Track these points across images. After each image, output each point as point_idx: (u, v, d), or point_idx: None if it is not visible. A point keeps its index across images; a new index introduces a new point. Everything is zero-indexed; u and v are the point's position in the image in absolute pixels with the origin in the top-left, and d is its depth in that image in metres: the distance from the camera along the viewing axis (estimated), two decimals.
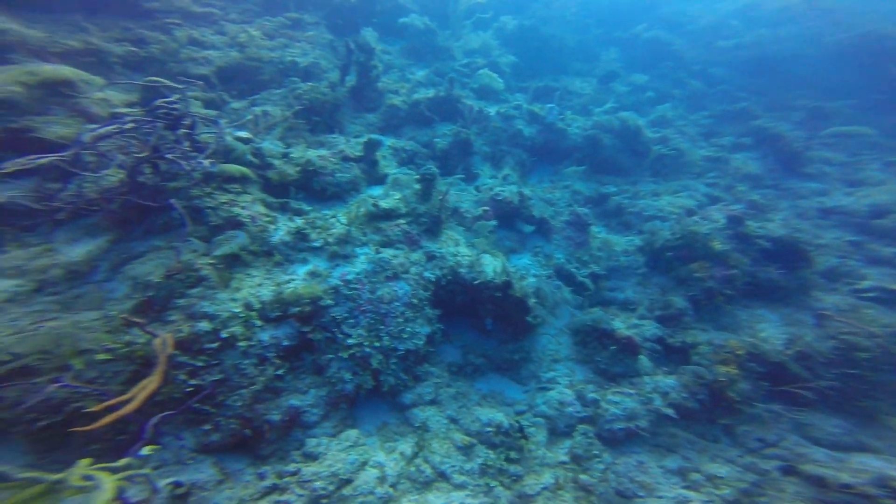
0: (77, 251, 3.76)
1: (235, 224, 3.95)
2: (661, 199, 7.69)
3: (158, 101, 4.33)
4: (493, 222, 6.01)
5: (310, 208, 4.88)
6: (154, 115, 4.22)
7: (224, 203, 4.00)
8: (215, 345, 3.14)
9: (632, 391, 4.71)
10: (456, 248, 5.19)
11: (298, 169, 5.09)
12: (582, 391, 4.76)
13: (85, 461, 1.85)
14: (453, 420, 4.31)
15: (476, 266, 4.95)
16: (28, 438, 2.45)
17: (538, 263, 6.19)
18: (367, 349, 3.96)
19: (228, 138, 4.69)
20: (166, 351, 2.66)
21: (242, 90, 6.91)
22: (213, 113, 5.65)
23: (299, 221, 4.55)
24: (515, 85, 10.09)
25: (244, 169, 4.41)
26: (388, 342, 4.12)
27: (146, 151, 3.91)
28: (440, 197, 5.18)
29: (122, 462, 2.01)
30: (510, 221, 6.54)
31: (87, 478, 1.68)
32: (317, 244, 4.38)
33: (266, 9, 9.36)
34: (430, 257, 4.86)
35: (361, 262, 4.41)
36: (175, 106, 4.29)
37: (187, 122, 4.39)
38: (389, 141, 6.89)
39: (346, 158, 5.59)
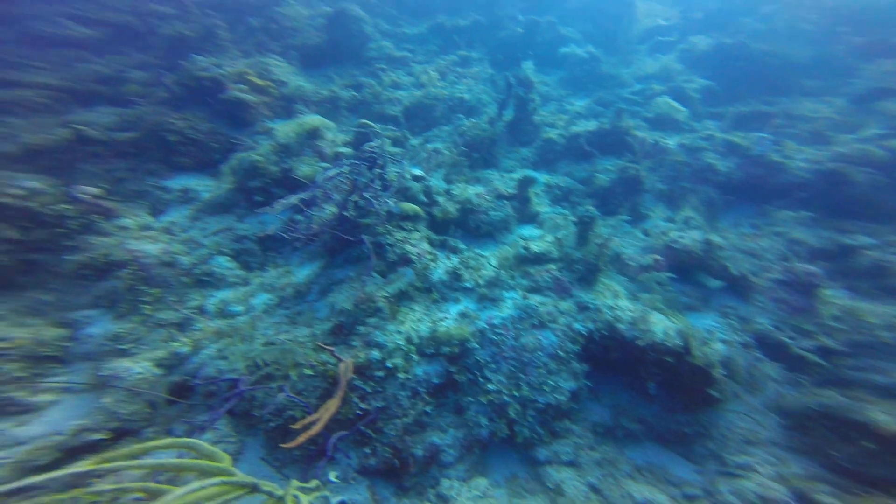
0: (303, 273, 4.98)
1: (406, 261, 4.55)
2: None
3: (367, 146, 5.37)
4: (667, 274, 5.26)
5: (464, 247, 5.24)
6: (361, 158, 5.27)
7: (399, 240, 4.67)
8: (382, 373, 3.67)
9: None
10: (615, 300, 4.77)
11: (458, 207, 5.53)
12: (804, 490, 3.69)
13: (294, 483, 2.42)
14: (595, 489, 3.94)
15: (641, 324, 4.44)
16: (265, 435, 3.38)
17: (728, 327, 5.14)
18: (506, 397, 4.00)
19: (407, 176, 5.47)
20: (347, 375, 3.27)
21: (420, 127, 7.94)
22: (399, 151, 6.70)
23: (455, 260, 4.93)
24: (706, 111, 8.70)
25: (417, 208, 5.05)
26: (527, 392, 4.07)
27: (351, 190, 4.90)
28: (599, 243, 4.85)
29: (314, 483, 2.56)
30: (689, 274, 5.62)
31: (296, 498, 2.20)
32: (469, 285, 4.66)
33: (443, 48, 10.50)
34: (583, 308, 4.59)
35: (508, 307, 4.48)
36: (375, 149, 5.25)
37: (381, 162, 5.32)
38: (543, 177, 6.82)
39: (499, 196, 5.79)
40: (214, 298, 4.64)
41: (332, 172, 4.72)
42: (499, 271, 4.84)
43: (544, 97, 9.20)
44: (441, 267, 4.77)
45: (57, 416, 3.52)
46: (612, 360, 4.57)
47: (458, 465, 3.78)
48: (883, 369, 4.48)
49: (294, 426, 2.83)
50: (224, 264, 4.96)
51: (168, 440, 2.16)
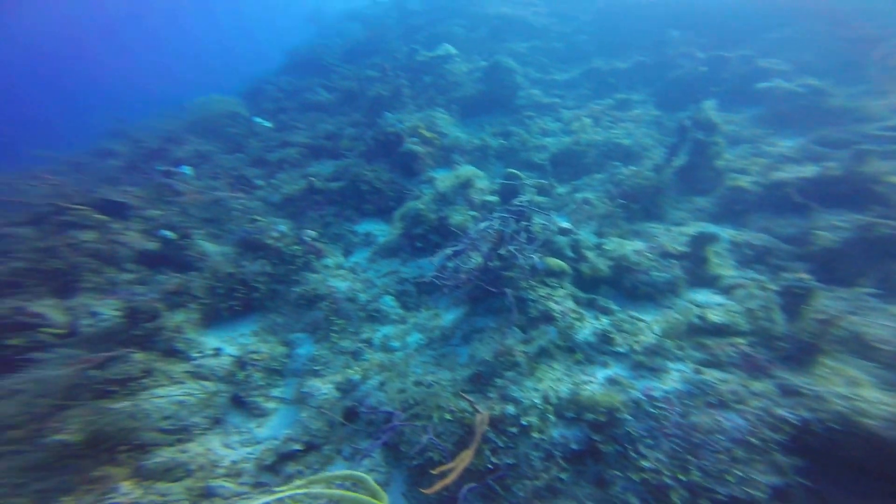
0: (449, 318, 5.43)
1: (549, 318, 4.46)
2: None
3: (516, 200, 5.54)
4: None
5: (617, 308, 4.78)
6: (510, 211, 5.46)
7: (542, 296, 4.61)
8: (515, 429, 3.69)
9: None
10: (852, 389, 3.64)
11: (611, 264, 5.09)
12: None
13: None
14: None
15: None
16: (408, 471, 3.83)
17: None
18: (667, 479, 3.46)
19: (554, 229, 5.35)
20: (482, 427, 3.42)
21: (568, 174, 7.64)
22: (544, 200, 6.62)
23: (606, 322, 4.56)
24: None
25: (563, 264, 4.90)
26: (698, 478, 3.43)
27: (498, 242, 5.12)
28: (821, 319, 3.75)
29: None
30: None
31: None
32: (621, 350, 4.24)
33: (596, 92, 9.97)
34: (790, 392, 3.68)
35: (674, 380, 3.91)
36: (523, 202, 5.36)
37: (527, 214, 5.38)
38: (727, 232, 5.61)
39: (665, 254, 5.06)
40: (380, 333, 5.51)
41: (483, 225, 5.03)
42: (662, 339, 4.27)
43: (732, 138, 7.73)
44: (588, 328, 4.50)
45: (276, 422, 4.78)
46: (849, 458, 3.45)
47: None
48: None
49: (433, 471, 3.11)
50: (389, 303, 5.85)
51: (345, 472, 2.70)
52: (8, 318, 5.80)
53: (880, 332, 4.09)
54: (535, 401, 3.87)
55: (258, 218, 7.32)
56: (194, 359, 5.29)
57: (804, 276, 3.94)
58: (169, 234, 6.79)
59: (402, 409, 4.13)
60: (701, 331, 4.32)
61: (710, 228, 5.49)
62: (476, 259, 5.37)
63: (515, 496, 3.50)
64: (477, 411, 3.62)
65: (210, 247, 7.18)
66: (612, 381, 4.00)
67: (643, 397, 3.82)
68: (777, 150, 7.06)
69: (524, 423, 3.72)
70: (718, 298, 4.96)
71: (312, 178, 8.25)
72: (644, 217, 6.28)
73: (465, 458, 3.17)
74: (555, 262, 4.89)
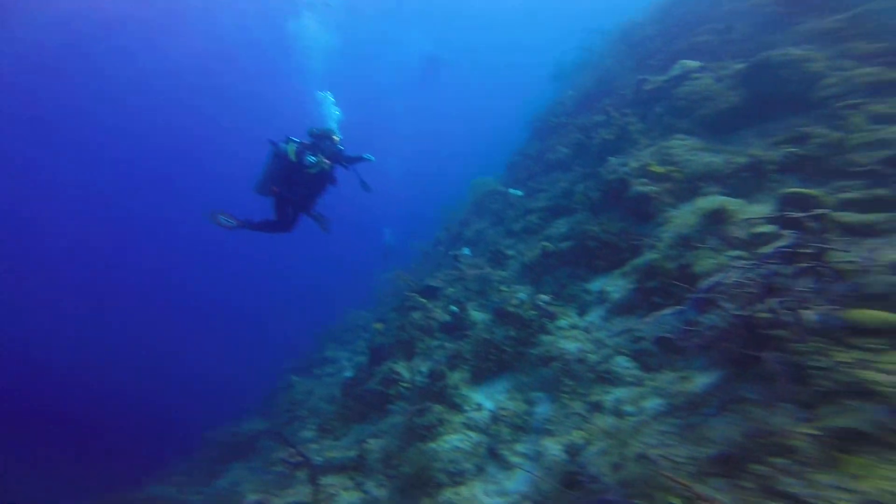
0: (702, 382, 4.43)
1: (862, 392, 2.99)
2: None
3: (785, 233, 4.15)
4: None
5: None
6: (777, 251, 4.11)
7: (845, 363, 3.15)
8: None
9: None
10: None
11: None
12: None
13: None
14: None
15: None
16: None
17: None
18: None
19: (874, 266, 3.54)
20: None
21: None
22: (875, 219, 4.35)
23: None
24: None
25: (885, 315, 3.17)
26: None
27: (760, 294, 3.91)
28: None
29: None
30: None
31: None
32: None
33: None
34: None
35: None
36: (792, 237, 3.94)
37: (810, 251, 3.86)
38: None
39: None
40: (611, 396, 5.09)
41: (727, 276, 4.06)
42: None
43: None
44: None
45: (521, 477, 5.18)
46: None
47: None
48: None
49: None
50: (622, 364, 5.36)
51: None
52: (388, 375, 8.96)
53: None
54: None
55: (503, 288, 8.51)
56: (466, 411, 6.58)
57: None
58: (455, 308, 8.94)
59: (620, 484, 3.69)
60: None
61: None
62: (730, 315, 4.29)
63: None
64: (700, 498, 2.83)
65: (478, 315, 8.88)
66: None
67: None
68: None
69: None
70: None
71: (545, 244, 8.88)
72: None
73: None
74: (867, 315, 3.26)
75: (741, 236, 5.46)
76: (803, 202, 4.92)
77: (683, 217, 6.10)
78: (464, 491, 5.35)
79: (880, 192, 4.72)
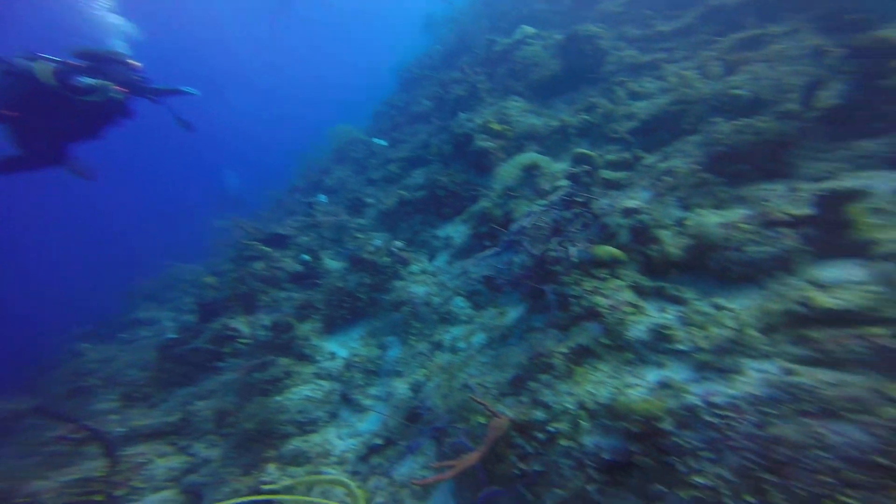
0: (512, 316, 5.41)
1: (593, 314, 4.09)
2: None
3: (564, 185, 5.16)
4: None
5: (693, 296, 3.98)
6: (561, 197, 5.11)
7: (588, 291, 4.24)
8: (543, 436, 3.62)
9: None
10: None
11: (688, 243, 4.22)
12: None
13: None
14: None
15: None
16: None
17: None
18: (728, 500, 2.90)
19: (618, 210, 4.74)
20: (494, 434, 3.50)
21: (663, 141, 6.30)
22: (623, 176, 5.76)
23: (672, 314, 3.89)
24: None
25: (615, 251, 4.34)
26: (779, 501, 2.78)
27: (550, 234, 4.89)
28: None
29: None
30: None
31: None
32: (683, 347, 3.60)
33: (719, 34, 7.69)
34: None
35: (750, 384, 3.16)
36: (572, 186, 4.95)
37: (581, 199, 4.94)
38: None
39: (771, 222, 3.89)
40: (449, 335, 5.91)
41: (526, 221, 4.90)
42: (743, 333, 3.47)
43: None
44: (646, 322, 3.95)
45: (372, 418, 5.68)
46: None
47: None
48: None
49: (433, 465, 3.39)
50: (459, 304, 6.20)
51: (330, 477, 3.25)
52: (221, 332, 8.45)
53: None
54: (568, 406, 3.67)
55: (360, 235, 8.63)
56: (318, 362, 6.75)
57: None
58: (307, 256, 8.67)
59: (448, 412, 4.48)
60: (807, 320, 3.32)
61: (857, 185, 3.94)
62: (530, 254, 5.24)
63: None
64: (495, 416, 3.70)
65: (333, 264, 8.86)
66: (662, 385, 3.48)
67: (701, 404, 3.22)
68: None
69: (552, 429, 3.61)
70: (859, 273, 3.62)
71: (402, 192, 9.19)
72: (759, 178, 4.93)
73: (466, 462, 3.32)
74: (604, 251, 4.39)
75: (547, 187, 6.62)
76: (585, 161, 6.17)
77: (508, 170, 7.02)
78: (315, 438, 5.63)
79: (626, 155, 6.23)
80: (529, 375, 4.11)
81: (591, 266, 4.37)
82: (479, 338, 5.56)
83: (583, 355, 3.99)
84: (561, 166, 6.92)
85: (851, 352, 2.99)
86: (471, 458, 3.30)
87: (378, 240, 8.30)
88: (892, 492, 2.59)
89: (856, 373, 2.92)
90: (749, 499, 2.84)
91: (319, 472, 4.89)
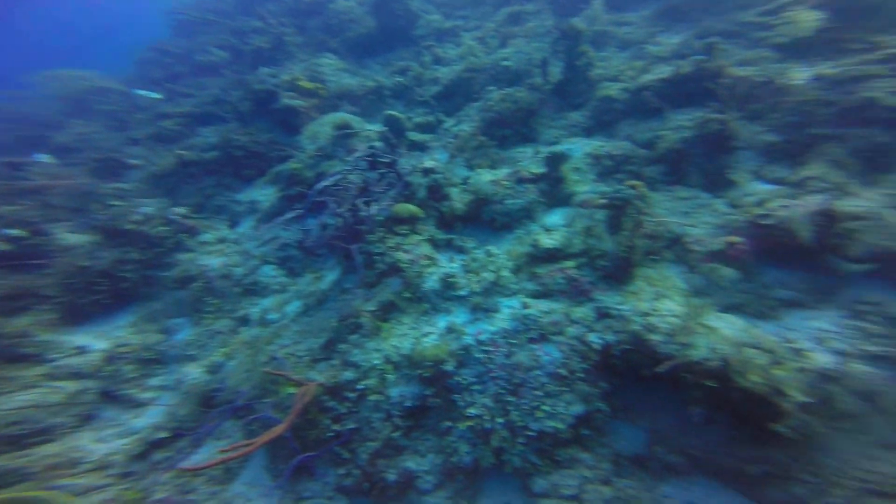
0: (328, 280, 5.21)
1: (396, 269, 4.37)
2: None
3: (369, 144, 5.21)
4: (729, 269, 3.83)
5: (473, 245, 4.72)
6: (364, 158, 5.15)
7: (391, 247, 4.48)
8: (354, 395, 3.72)
9: None
10: (653, 302, 3.72)
11: (470, 199, 4.95)
12: None
13: None
14: None
15: (681, 335, 3.40)
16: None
17: (862, 334, 3.54)
18: (488, 424, 3.60)
19: (419, 169, 5.10)
20: (302, 401, 3.43)
21: (458, 106, 7.16)
22: (428, 138, 6.29)
23: (457, 263, 4.51)
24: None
25: (413, 208, 4.72)
26: (516, 418, 3.60)
27: (356, 194, 4.87)
28: (631, 227, 3.75)
29: None
30: (800, 257, 3.97)
31: None
32: (464, 292, 4.23)
33: (498, 6, 9.01)
34: (603, 315, 3.73)
35: (503, 319, 3.93)
36: (375, 146, 5.06)
37: (386, 160, 5.10)
38: (592, 146, 5.48)
39: (521, 180, 4.94)
40: (258, 307, 5.34)
41: (330, 180, 4.76)
42: (500, 274, 4.25)
43: (624, 42, 7.29)
44: (438, 273, 4.44)
45: (154, 411, 4.68)
46: (649, 376, 3.65)
47: (438, 491, 3.61)
48: None
49: (220, 451, 3.12)
50: (269, 272, 5.63)
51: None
52: None
53: (699, 231, 4.21)
54: (376, 362, 3.87)
55: (116, 202, 6.73)
56: (53, 360, 5.04)
57: (636, 183, 3.80)
58: (16, 231, 6.16)
59: (252, 388, 4.10)
60: (536, 259, 4.29)
61: (562, 149, 5.32)
62: (339, 216, 5.13)
63: (360, 459, 3.58)
64: (301, 384, 3.60)
65: (75, 238, 6.63)
66: (449, 330, 4.01)
67: (473, 342, 3.83)
68: (659, 49, 6.71)
69: (361, 387, 3.74)
70: (564, 218, 4.84)
71: (181, 152, 7.57)
72: (521, 141, 6.07)
73: (271, 434, 3.17)
74: (403, 208, 4.71)
75: (360, 148, 6.60)
76: (395, 122, 6.44)
77: (320, 129, 6.67)
78: (52, 448, 4.31)
79: (430, 118, 6.86)
80: (340, 337, 4.13)
81: (393, 223, 4.63)
82: (293, 306, 5.21)
83: (388, 311, 4.24)
84: (374, 127, 6.98)
85: (557, 283, 4.02)
86: (276, 431, 3.13)
87: (148, 207, 6.65)
88: (566, 396, 3.48)
89: (559, 300, 3.94)
90: (499, 420, 3.56)
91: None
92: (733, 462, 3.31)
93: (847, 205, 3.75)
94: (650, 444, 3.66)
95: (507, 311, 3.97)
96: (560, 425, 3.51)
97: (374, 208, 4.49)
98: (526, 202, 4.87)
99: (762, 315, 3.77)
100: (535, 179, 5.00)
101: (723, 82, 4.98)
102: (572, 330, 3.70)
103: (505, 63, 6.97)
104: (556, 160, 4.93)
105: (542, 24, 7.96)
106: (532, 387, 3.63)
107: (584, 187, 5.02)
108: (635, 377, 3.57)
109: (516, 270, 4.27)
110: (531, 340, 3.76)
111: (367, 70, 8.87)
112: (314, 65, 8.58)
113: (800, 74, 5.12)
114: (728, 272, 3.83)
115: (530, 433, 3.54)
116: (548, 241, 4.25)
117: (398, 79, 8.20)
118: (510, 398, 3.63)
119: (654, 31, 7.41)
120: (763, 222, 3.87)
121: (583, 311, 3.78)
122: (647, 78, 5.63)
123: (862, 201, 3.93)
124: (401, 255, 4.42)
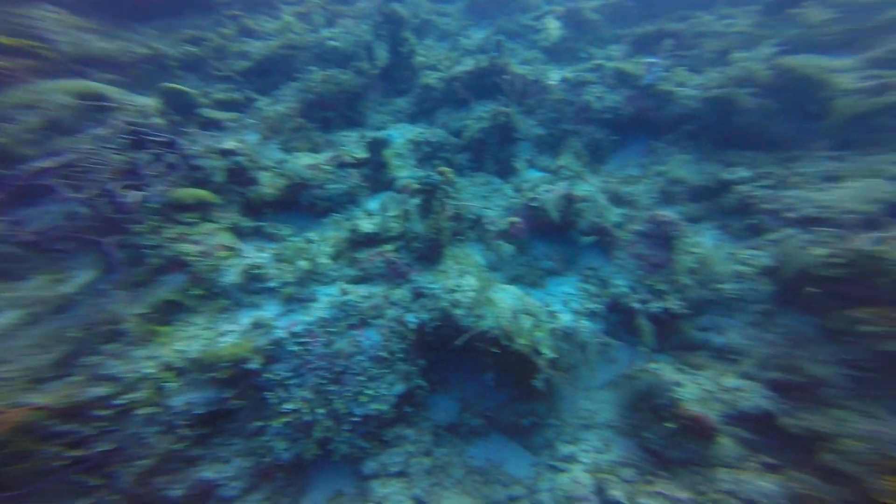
0: (78, 282, 3.81)
1: (180, 264, 3.59)
2: (839, 188, 4.61)
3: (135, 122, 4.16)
4: (510, 246, 4.58)
5: (289, 232, 4.31)
6: (122, 135, 4.07)
7: (170, 238, 3.66)
8: (108, 412, 2.87)
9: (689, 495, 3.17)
10: (459, 279, 4.05)
11: (284, 183, 4.52)
12: (605, 483, 3.37)
13: None
14: (420, 503, 3.48)
15: (477, 308, 3.77)
16: None
17: (585, 294, 4.57)
18: (307, 416, 3.32)
19: (210, 153, 4.33)
20: None
21: (276, 83, 6.47)
22: (232, 117, 5.43)
23: (268, 253, 4.02)
24: (612, 34, 7.67)
25: (200, 192, 3.98)
26: (340, 406, 3.42)
27: (110, 178, 3.75)
28: (439, 211, 4.02)
29: None
30: (556, 233, 4.96)
31: None
32: (274, 284, 3.80)
33: None
34: (419, 295, 3.87)
35: (320, 308, 3.69)
36: (141, 124, 4.07)
37: (162, 139, 4.14)
38: (413, 132, 5.78)
39: (343, 164, 4.81)
40: None
41: (60, 159, 3.55)
42: (316, 262, 3.98)
43: (443, 32, 7.85)
44: (240, 265, 3.84)
45: None
46: (458, 349, 3.95)
47: (248, 495, 3.16)
48: (721, 327, 4.17)
49: None
50: None
51: None
52: None
53: (493, 213, 4.89)
54: (149, 371, 3.08)
55: None
56: None
57: (445, 169, 3.99)
58: None
59: None
60: (356, 244, 4.22)
61: (382, 134, 5.42)
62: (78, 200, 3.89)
63: (121, 482, 2.79)
64: None
65: None
66: (255, 325, 3.54)
67: (286, 335, 3.51)
68: (469, 42, 7.40)
69: (122, 402, 2.91)
70: (388, 204, 4.87)
71: None
72: (346, 125, 5.86)
73: None
74: (188, 193, 3.92)
75: (122, 124, 5.17)
76: (181, 97, 5.34)
77: (50, 98, 4.93)
78: None
79: (236, 95, 5.96)
80: (87, 349, 3.13)
81: (174, 211, 3.80)
82: (8, 317, 3.64)
83: (170, 312, 3.45)
84: (146, 101, 5.57)
85: (376, 267, 4.02)
86: None
87: None
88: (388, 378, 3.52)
89: (378, 284, 3.95)
90: (320, 411, 3.32)
91: None
92: (514, 418, 3.90)
93: (579, 190, 4.91)
94: (460, 411, 4.03)
95: (326, 299, 3.75)
96: (384, 406, 3.51)
97: (139, 194, 3.57)
98: (349, 187, 4.73)
99: (534, 284, 4.58)
100: (358, 164, 4.90)
101: (506, 78, 5.83)
102: (391, 312, 3.75)
103: (332, 43, 6.62)
104: (377, 145, 4.95)
105: (370, 5, 7.86)
106: (354, 373, 3.52)
107: (405, 172, 5.19)
108: (447, 351, 3.84)
109: (336, 257, 4.08)
110: (351, 327, 3.64)
111: (136, 34, 7.08)
112: (24, 17, 6.33)
113: (554, 76, 6.45)
114: (509, 248, 4.54)
115: (355, 419, 3.43)
116: (367, 225, 4.22)
117: (189, 48, 6.84)
118: (332, 387, 3.44)
119: (466, 24, 8.24)
120: (533, 205, 4.74)
121: (401, 293, 3.87)
122: (458, 69, 6.15)
123: (588, 186, 5.23)
124: (186, 247, 3.66)
